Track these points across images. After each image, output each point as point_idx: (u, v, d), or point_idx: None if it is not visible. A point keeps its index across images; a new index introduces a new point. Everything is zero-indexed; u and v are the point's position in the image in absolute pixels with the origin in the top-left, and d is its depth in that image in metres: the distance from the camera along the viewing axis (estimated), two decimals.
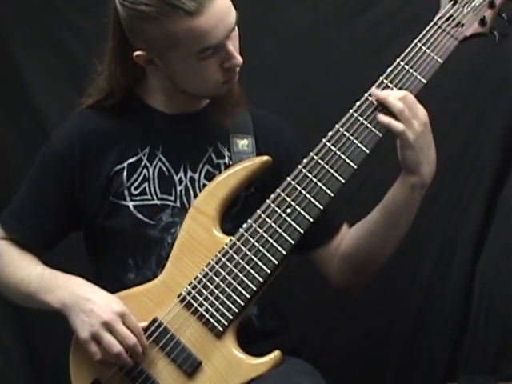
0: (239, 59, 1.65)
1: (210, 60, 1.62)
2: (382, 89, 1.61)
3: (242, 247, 1.61)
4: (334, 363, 2.21)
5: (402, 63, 1.63)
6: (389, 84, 1.62)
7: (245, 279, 1.60)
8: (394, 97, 1.58)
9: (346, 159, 1.60)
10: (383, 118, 1.58)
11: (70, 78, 2.33)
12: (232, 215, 1.71)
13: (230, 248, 1.62)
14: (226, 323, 1.60)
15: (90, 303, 1.59)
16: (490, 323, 2.09)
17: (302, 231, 1.59)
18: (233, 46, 1.64)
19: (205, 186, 1.71)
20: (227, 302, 1.60)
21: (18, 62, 2.35)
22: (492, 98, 2.17)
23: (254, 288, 1.59)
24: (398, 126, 1.57)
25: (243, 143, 1.77)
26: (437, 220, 2.22)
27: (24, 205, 1.78)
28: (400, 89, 1.61)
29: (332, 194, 1.60)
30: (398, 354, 2.24)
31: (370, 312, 2.24)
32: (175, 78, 1.68)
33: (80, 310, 1.59)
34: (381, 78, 1.63)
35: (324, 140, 1.62)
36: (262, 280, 1.59)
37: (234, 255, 1.61)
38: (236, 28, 1.64)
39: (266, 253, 1.60)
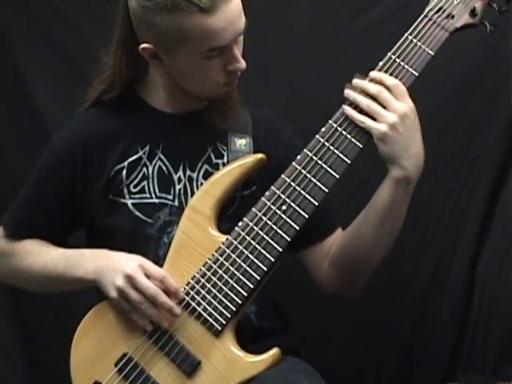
0: (243, 63, 1.67)
1: (215, 60, 1.63)
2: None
3: (239, 245, 1.61)
4: (333, 363, 2.22)
5: (393, 57, 1.63)
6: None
7: (242, 277, 1.59)
8: (364, 94, 1.60)
9: (340, 154, 1.60)
10: (348, 110, 1.60)
11: (69, 78, 2.33)
12: (229, 215, 1.71)
13: (227, 247, 1.62)
14: (224, 322, 1.59)
15: (108, 261, 1.63)
16: (490, 323, 2.09)
17: (297, 228, 1.59)
18: (238, 50, 1.65)
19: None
20: (225, 300, 1.60)
21: (18, 62, 2.35)
22: (492, 97, 2.17)
23: (252, 286, 1.59)
24: (359, 117, 1.59)
25: (241, 143, 1.77)
26: (437, 220, 2.22)
27: (23, 206, 1.80)
28: None
29: (327, 190, 1.59)
30: (398, 354, 2.23)
31: (370, 312, 2.23)
32: (177, 75, 1.69)
33: (106, 274, 1.61)
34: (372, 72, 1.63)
35: (317, 136, 1.61)
36: (259, 277, 1.59)
37: (231, 254, 1.61)
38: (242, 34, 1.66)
39: (263, 250, 1.60)
